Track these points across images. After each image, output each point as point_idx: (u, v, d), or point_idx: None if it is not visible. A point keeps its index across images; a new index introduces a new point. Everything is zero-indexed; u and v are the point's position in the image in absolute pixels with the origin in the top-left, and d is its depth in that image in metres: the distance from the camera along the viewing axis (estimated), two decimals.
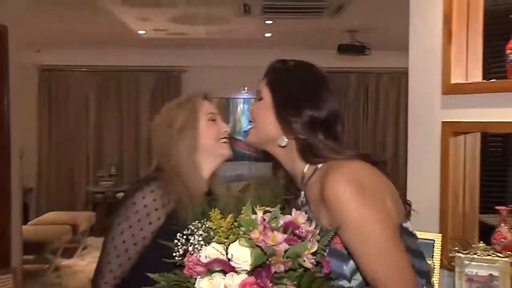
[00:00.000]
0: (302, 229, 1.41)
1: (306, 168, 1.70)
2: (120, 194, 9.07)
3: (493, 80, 2.72)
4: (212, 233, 1.44)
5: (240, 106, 10.32)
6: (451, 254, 2.58)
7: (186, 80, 9.70)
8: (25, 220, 7.18)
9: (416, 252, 1.66)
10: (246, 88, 10.02)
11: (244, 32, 8.05)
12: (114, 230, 2.00)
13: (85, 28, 7.64)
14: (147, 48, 9.17)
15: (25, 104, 7.25)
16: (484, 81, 2.78)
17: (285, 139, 1.70)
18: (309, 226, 1.43)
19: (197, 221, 1.49)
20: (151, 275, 1.51)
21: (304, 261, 1.37)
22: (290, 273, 1.38)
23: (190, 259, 1.42)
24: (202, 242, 1.44)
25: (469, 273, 2.57)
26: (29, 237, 6.04)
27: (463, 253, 2.59)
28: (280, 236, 1.36)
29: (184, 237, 1.49)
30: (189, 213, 1.82)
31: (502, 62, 2.66)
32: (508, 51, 2.58)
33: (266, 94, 1.75)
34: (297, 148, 1.70)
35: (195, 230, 1.48)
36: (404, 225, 1.63)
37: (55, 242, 6.93)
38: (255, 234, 1.35)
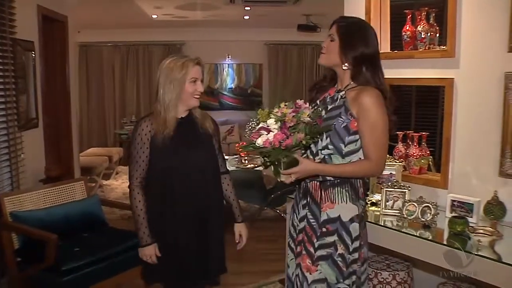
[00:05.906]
0: (300, 105, 1.97)
1: (351, 82, 2.11)
2: None
3: (396, 51, 3.04)
4: (260, 119, 2.00)
5: (225, 70, 10.06)
6: None
7: (185, 51, 9.55)
8: None
9: None
10: (229, 56, 10.01)
11: (229, 16, 7.96)
12: (131, 152, 2.32)
13: (113, 14, 7.56)
14: (156, 28, 9.09)
15: None
16: (390, 51, 3.09)
17: (345, 66, 2.10)
18: (310, 108, 2.00)
19: (254, 118, 2.03)
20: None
21: (301, 119, 1.93)
22: (300, 125, 1.93)
23: (252, 134, 2.00)
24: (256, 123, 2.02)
25: None
26: (81, 164, 6.20)
27: None
28: (290, 110, 1.95)
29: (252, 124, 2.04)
30: (164, 134, 2.24)
31: (401, 39, 3.00)
32: (403, 33, 2.92)
33: (336, 37, 2.09)
34: (350, 72, 2.10)
35: (254, 120, 2.03)
36: None
37: (98, 167, 7.10)
38: (276, 111, 1.97)
